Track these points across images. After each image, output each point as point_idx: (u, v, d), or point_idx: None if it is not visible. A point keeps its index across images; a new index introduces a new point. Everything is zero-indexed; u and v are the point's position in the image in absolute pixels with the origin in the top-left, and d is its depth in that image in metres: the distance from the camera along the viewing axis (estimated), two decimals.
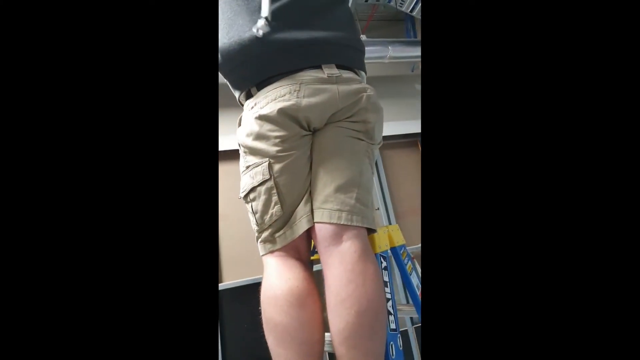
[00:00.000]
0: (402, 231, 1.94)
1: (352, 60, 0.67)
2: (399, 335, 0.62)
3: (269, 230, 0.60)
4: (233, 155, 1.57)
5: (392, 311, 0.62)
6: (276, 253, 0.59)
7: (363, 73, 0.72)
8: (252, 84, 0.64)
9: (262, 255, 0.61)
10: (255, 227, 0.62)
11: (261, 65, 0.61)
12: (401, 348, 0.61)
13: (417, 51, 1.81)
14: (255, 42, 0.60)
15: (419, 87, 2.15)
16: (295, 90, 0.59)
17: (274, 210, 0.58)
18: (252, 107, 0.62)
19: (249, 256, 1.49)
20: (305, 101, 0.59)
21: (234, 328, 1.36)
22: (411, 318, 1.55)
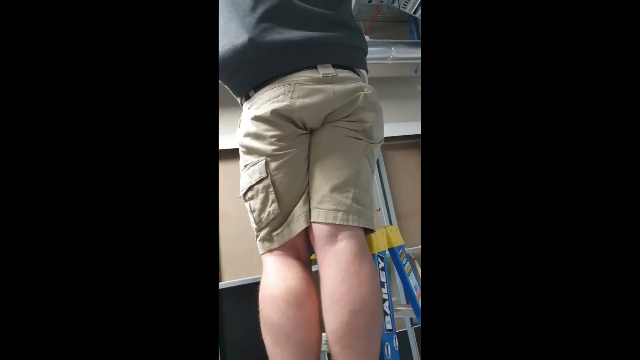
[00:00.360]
0: (404, 232, 1.94)
1: (350, 59, 0.66)
2: (395, 335, 0.62)
3: (267, 229, 0.60)
4: (233, 154, 1.58)
5: (388, 312, 0.63)
6: (275, 252, 0.60)
7: (364, 71, 0.71)
8: (249, 88, 0.64)
9: (261, 254, 0.61)
10: (254, 226, 0.62)
11: (256, 69, 0.62)
12: (397, 348, 0.61)
13: (420, 53, 1.81)
14: (248, 47, 0.60)
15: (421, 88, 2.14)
16: (289, 91, 0.59)
17: (271, 208, 0.59)
18: (249, 108, 0.63)
19: (249, 255, 1.50)
20: (299, 102, 0.59)
21: (234, 327, 1.37)
22: (410, 319, 1.55)
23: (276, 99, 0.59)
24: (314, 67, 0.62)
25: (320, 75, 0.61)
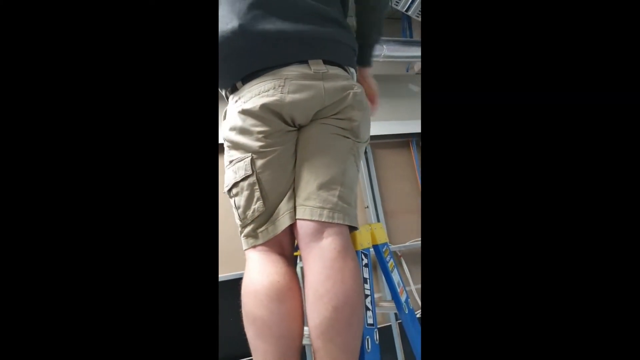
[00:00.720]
0: (392, 230, 1.95)
1: (340, 56, 0.66)
2: (375, 330, 0.64)
3: (252, 226, 0.60)
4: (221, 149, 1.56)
5: (370, 307, 0.64)
6: (259, 248, 0.60)
7: (353, 70, 0.71)
8: (237, 79, 0.63)
9: (245, 249, 0.62)
10: (238, 222, 0.62)
11: (245, 59, 0.60)
12: (377, 342, 0.63)
13: (412, 51, 1.82)
14: (238, 34, 0.58)
15: (413, 87, 2.16)
16: (279, 86, 0.58)
17: (256, 205, 0.59)
18: (236, 101, 0.62)
19: (234, 251, 1.50)
20: (289, 97, 0.58)
21: (220, 322, 1.38)
22: (395, 314, 1.59)
23: (266, 93, 0.58)
24: (304, 61, 0.61)
25: (312, 71, 0.60)
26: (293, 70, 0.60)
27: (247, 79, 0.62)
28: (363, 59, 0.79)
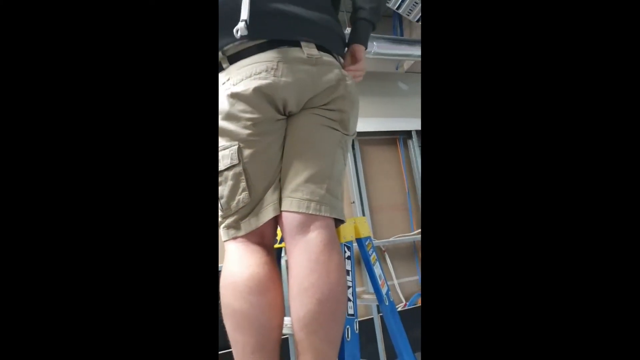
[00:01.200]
0: (377, 225, 1.99)
1: (332, 44, 0.64)
2: (356, 320, 0.66)
3: (234, 217, 0.58)
4: None
5: (351, 298, 0.66)
6: (239, 239, 0.59)
7: (342, 60, 0.70)
8: (220, 47, 0.59)
9: (225, 241, 0.60)
10: (219, 213, 0.60)
11: (232, 26, 0.55)
12: (357, 332, 0.65)
13: (402, 49, 1.84)
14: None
15: (402, 85, 2.19)
16: (272, 69, 0.56)
17: (241, 197, 0.57)
18: (224, 83, 0.59)
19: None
20: (283, 80, 0.56)
21: None
22: (377, 306, 1.62)
23: (258, 75, 0.55)
24: (297, 44, 0.59)
25: (305, 56, 0.58)
26: (286, 53, 0.58)
27: (234, 58, 0.59)
28: (362, 36, 0.71)
